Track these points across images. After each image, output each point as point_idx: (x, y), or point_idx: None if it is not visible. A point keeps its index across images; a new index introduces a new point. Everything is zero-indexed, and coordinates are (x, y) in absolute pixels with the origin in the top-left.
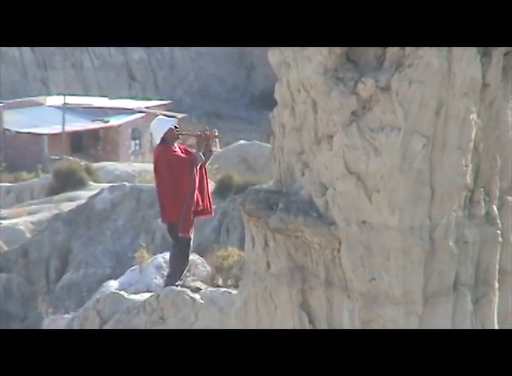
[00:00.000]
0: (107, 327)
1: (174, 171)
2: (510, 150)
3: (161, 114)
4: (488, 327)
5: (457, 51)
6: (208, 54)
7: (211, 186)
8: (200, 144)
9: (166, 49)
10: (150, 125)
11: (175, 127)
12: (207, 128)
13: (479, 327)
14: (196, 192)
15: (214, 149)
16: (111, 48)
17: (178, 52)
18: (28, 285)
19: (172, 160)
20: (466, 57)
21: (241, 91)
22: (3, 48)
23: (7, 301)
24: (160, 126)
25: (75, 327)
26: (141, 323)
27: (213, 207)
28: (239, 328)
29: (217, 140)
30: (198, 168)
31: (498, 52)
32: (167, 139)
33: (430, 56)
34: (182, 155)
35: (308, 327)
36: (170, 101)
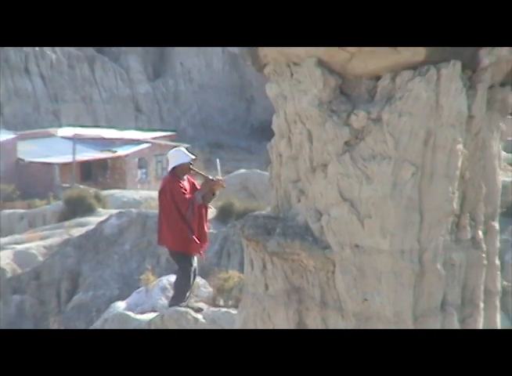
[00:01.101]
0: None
1: (176, 203)
2: (494, 178)
3: (177, 147)
4: None
5: (444, 84)
6: (210, 87)
7: (213, 211)
8: (205, 186)
9: (170, 82)
10: (168, 152)
11: (190, 163)
12: (217, 178)
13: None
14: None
15: (223, 184)
16: (118, 81)
17: (182, 85)
18: (40, 306)
19: (175, 193)
20: (453, 90)
21: (241, 122)
22: (17, 82)
23: (20, 321)
24: (177, 156)
25: None
26: None
27: (206, 246)
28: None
29: (219, 169)
30: (197, 207)
31: (483, 86)
32: (178, 171)
33: (419, 89)
34: (185, 193)
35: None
36: (174, 132)
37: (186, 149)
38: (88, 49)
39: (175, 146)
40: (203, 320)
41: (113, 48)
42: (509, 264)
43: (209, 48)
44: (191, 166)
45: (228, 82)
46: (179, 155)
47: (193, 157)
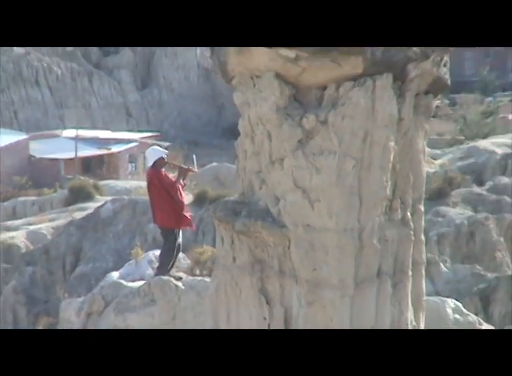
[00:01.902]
0: (110, 308)
1: (166, 188)
2: (420, 169)
3: (156, 144)
4: (403, 306)
5: (379, 92)
6: (188, 96)
7: (190, 197)
8: (180, 173)
9: (155, 92)
10: (146, 151)
11: (165, 157)
12: (185, 166)
13: (397, 306)
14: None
15: (194, 170)
16: (112, 91)
17: (165, 94)
18: (49, 276)
19: (163, 181)
20: (385, 97)
21: (214, 124)
22: (29, 92)
23: (33, 289)
24: (153, 153)
25: (85, 308)
26: (136, 304)
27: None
28: (212, 309)
29: (195, 163)
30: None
31: (410, 94)
32: (157, 164)
33: (358, 97)
34: (171, 179)
35: (265, 307)
36: (158, 132)
37: (167, 147)
38: (87, 65)
39: (150, 148)
40: (183, 287)
41: (109, 64)
42: (432, 239)
43: (187, 64)
44: (166, 159)
45: (203, 92)
46: (155, 152)
47: (167, 152)
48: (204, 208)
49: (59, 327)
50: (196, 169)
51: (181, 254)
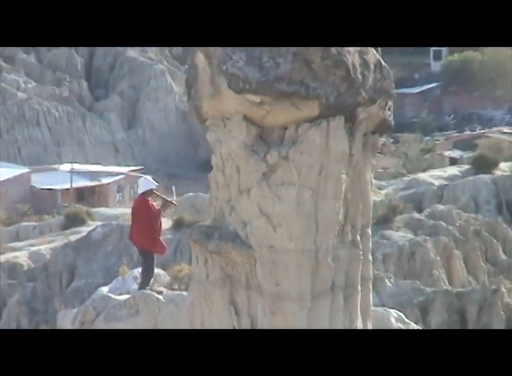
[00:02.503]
0: (100, 318)
1: (151, 216)
2: (368, 198)
3: (146, 177)
4: (353, 315)
5: (332, 132)
6: (168, 135)
7: (170, 223)
8: (164, 205)
9: (140, 132)
10: (139, 180)
11: (155, 188)
12: (169, 198)
13: (348, 315)
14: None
15: (175, 203)
16: (103, 131)
17: (148, 133)
18: (48, 290)
19: (151, 209)
20: (338, 136)
21: (190, 160)
22: (31, 131)
23: (34, 301)
24: (146, 184)
25: (79, 318)
26: (123, 314)
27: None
28: (189, 318)
29: (174, 193)
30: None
31: (359, 133)
32: (147, 194)
33: (314, 136)
34: (157, 207)
35: (234, 317)
36: (142, 166)
37: (151, 178)
38: (81, 108)
39: (143, 177)
40: (163, 300)
41: (99, 108)
42: (378, 259)
43: (167, 107)
44: (154, 191)
45: (181, 131)
46: (147, 183)
47: (157, 184)
48: (182, 232)
49: None
50: (175, 203)
51: (161, 271)
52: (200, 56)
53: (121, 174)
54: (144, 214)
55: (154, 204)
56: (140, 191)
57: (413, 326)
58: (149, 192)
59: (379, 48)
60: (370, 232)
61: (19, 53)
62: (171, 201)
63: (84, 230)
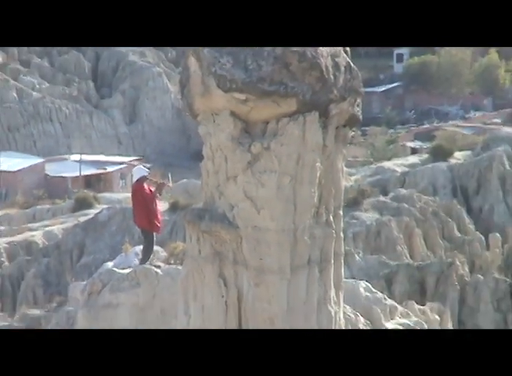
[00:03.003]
0: (106, 289)
1: (146, 199)
2: (339, 183)
3: (141, 165)
4: (327, 286)
5: (308, 126)
6: (165, 129)
7: (167, 205)
8: (157, 187)
9: (140, 126)
10: (133, 169)
11: (147, 174)
12: (162, 180)
13: (322, 286)
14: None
15: (168, 184)
16: (107, 126)
17: (147, 127)
18: (60, 265)
19: (145, 193)
20: (313, 129)
21: (184, 151)
22: (45, 126)
23: (48, 274)
24: (138, 172)
25: (87, 289)
26: (125, 286)
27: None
28: (183, 289)
29: (170, 179)
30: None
31: (332, 127)
32: (141, 180)
33: (292, 129)
34: (150, 192)
35: (223, 288)
36: (142, 157)
37: (149, 167)
38: (88, 106)
39: (136, 166)
40: (161, 273)
41: (104, 105)
42: (349, 236)
43: (163, 105)
44: (148, 176)
45: (176, 126)
46: (140, 171)
47: (148, 170)
48: (177, 214)
49: (68, 304)
50: (170, 184)
51: (159, 248)
52: (191, 59)
53: (124, 163)
54: (140, 198)
55: (151, 187)
56: (135, 179)
57: (379, 295)
58: (143, 178)
59: (348, 52)
60: (342, 213)
61: (34, 58)
62: (163, 183)
63: (91, 213)
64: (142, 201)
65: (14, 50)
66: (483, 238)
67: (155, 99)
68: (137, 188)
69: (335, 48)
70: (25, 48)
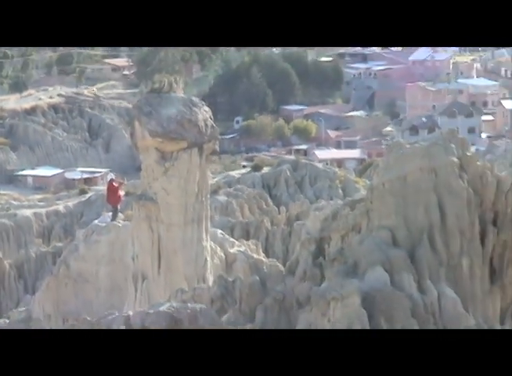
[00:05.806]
0: (94, 233)
1: (113, 190)
2: (207, 182)
3: (112, 173)
4: (201, 233)
5: (193, 153)
6: (124, 155)
7: (123, 193)
8: (119, 184)
9: (112, 154)
10: (107, 175)
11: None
12: (121, 181)
13: (200, 232)
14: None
15: (124, 183)
16: (99, 154)
17: (115, 154)
18: (71, 225)
19: (112, 187)
20: (194, 156)
21: (133, 166)
22: (53, 135)
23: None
24: (110, 176)
25: (86, 232)
26: (103, 232)
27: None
28: (131, 234)
29: (125, 181)
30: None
31: (204, 155)
32: (111, 180)
33: (185, 156)
34: (115, 186)
35: (151, 233)
36: (111, 169)
37: (114, 174)
38: (85, 143)
39: (109, 174)
40: (121, 226)
41: (93, 143)
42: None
43: (124, 143)
44: (114, 179)
45: (130, 153)
46: (110, 176)
47: (113, 176)
48: (128, 197)
49: (76, 240)
50: (125, 182)
51: (120, 214)
52: (136, 122)
53: (103, 172)
54: (110, 189)
55: (115, 184)
56: (108, 180)
57: (226, 236)
58: (112, 179)
59: (212, 117)
60: (208, 197)
61: None
62: (122, 182)
63: (87, 196)
64: (111, 191)
65: None
66: None
67: (119, 140)
68: (109, 184)
69: (206, 114)
70: None
